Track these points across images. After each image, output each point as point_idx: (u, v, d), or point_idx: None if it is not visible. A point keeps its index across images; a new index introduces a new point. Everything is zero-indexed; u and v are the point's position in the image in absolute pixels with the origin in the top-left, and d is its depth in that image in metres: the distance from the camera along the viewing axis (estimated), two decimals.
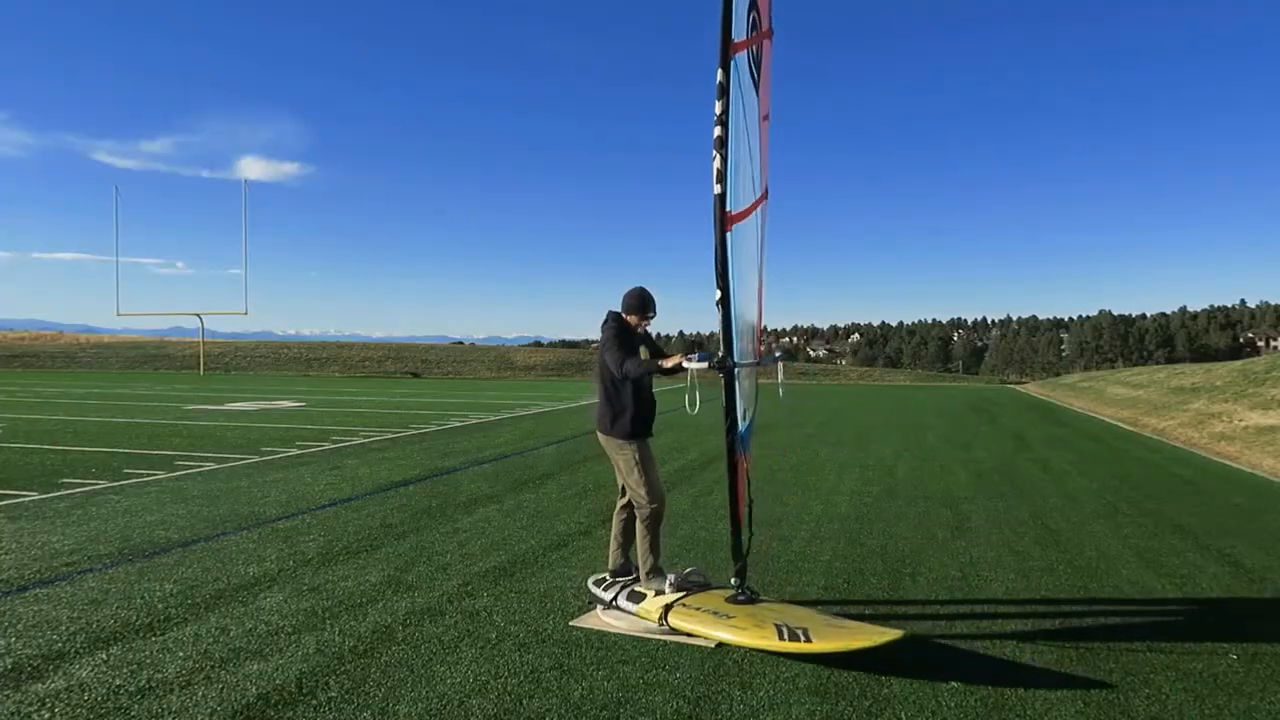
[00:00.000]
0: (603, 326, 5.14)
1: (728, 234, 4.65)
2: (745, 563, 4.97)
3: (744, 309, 5.13)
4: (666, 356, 5.05)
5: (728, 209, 4.64)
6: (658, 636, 4.63)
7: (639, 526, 5.09)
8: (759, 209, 5.42)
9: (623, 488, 5.24)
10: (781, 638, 4.26)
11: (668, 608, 4.73)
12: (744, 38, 4.83)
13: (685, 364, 4.79)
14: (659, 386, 5.20)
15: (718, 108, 4.64)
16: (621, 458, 5.10)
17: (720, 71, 4.62)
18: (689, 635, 4.59)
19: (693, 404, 4.66)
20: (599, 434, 5.23)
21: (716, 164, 4.62)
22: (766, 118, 5.72)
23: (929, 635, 4.71)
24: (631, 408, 5.08)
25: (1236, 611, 5.25)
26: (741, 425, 4.96)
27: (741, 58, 4.81)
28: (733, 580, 4.93)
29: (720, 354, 4.71)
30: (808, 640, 4.21)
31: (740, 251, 4.88)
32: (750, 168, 5.14)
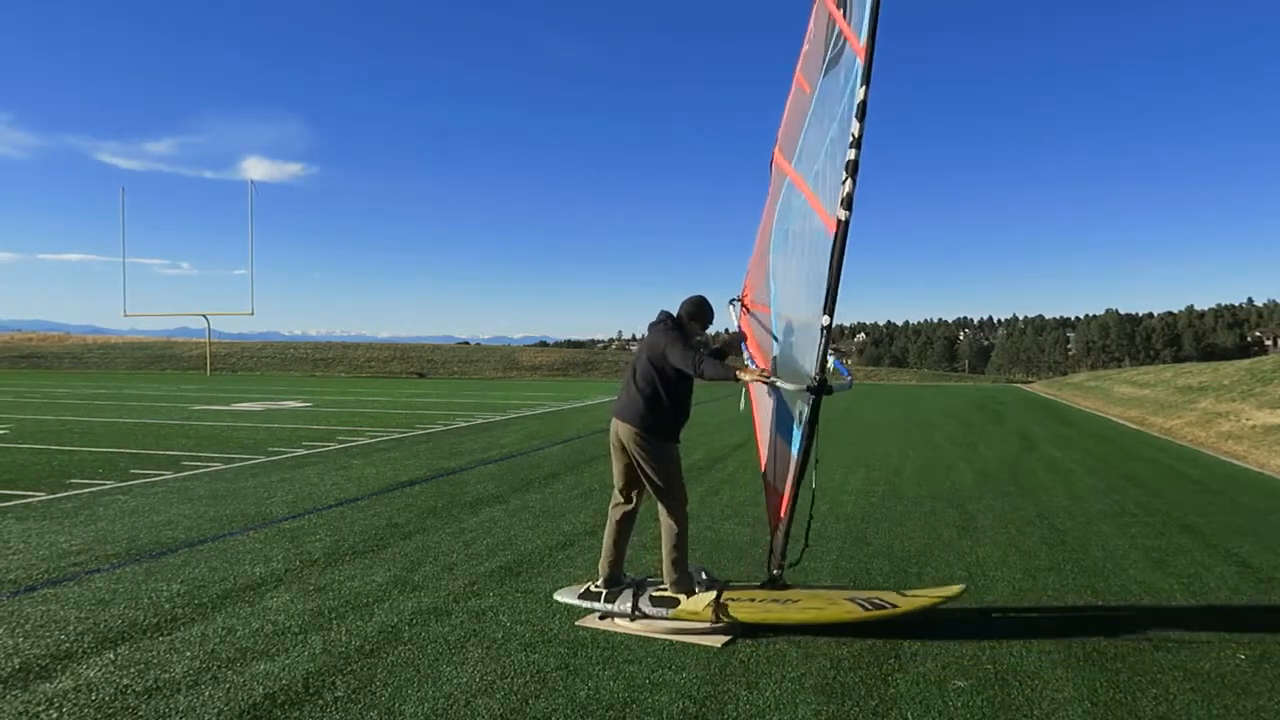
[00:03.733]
0: (659, 327, 4.97)
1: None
2: (783, 564, 4.99)
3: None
4: (742, 368, 4.84)
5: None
6: (663, 636, 4.62)
7: (665, 528, 4.91)
8: None
9: (620, 491, 5.07)
10: (866, 609, 4.47)
11: (719, 604, 4.64)
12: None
13: (779, 383, 4.61)
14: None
15: (855, 129, 4.25)
16: (656, 461, 4.86)
17: (862, 89, 4.23)
18: (750, 625, 4.57)
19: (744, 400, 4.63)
20: (631, 429, 4.86)
21: (847, 188, 4.30)
22: None
23: (935, 634, 4.70)
24: (674, 412, 4.92)
25: (1244, 611, 5.24)
26: (797, 431, 4.86)
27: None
28: (774, 572, 4.97)
29: (817, 375, 4.56)
30: (893, 607, 4.45)
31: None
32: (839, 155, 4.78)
